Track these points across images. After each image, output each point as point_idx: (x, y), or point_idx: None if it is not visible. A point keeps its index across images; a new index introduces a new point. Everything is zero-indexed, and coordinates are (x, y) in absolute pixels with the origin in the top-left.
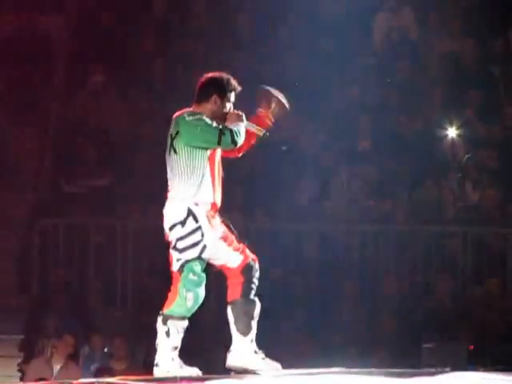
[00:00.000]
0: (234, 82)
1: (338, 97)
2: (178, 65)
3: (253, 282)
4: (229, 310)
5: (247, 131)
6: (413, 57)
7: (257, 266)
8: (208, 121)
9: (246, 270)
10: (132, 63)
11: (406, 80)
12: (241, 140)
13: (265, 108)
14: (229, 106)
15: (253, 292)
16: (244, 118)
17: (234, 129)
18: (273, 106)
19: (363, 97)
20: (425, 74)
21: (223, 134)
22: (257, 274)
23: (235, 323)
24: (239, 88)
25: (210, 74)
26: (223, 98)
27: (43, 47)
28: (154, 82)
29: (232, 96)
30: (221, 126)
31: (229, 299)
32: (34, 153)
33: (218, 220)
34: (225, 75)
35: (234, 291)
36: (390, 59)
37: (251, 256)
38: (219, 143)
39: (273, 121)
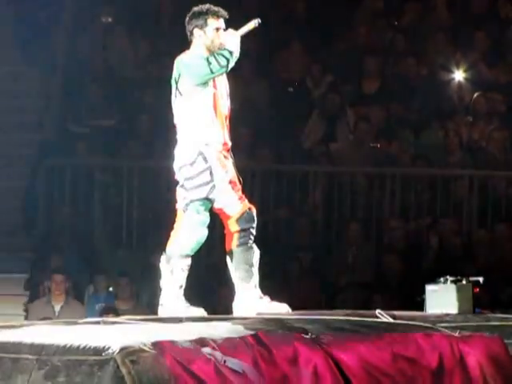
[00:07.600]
0: (210, 8)
1: (346, 38)
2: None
3: (249, 231)
4: (228, 259)
5: None
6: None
7: (253, 214)
8: (199, 56)
9: (242, 219)
10: (140, 2)
11: (413, 23)
12: (231, 60)
13: None
14: (215, 32)
15: (250, 240)
16: (233, 31)
17: (217, 52)
18: None
19: (371, 39)
20: (432, 17)
21: (209, 63)
22: (253, 224)
23: (236, 271)
24: (221, 11)
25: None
26: (203, 27)
27: None
28: (161, 21)
29: (214, 22)
30: (207, 55)
31: (227, 248)
32: (41, 92)
33: (231, 161)
34: (200, 6)
35: (231, 240)
36: (398, 1)
37: (248, 205)
38: (212, 71)
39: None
